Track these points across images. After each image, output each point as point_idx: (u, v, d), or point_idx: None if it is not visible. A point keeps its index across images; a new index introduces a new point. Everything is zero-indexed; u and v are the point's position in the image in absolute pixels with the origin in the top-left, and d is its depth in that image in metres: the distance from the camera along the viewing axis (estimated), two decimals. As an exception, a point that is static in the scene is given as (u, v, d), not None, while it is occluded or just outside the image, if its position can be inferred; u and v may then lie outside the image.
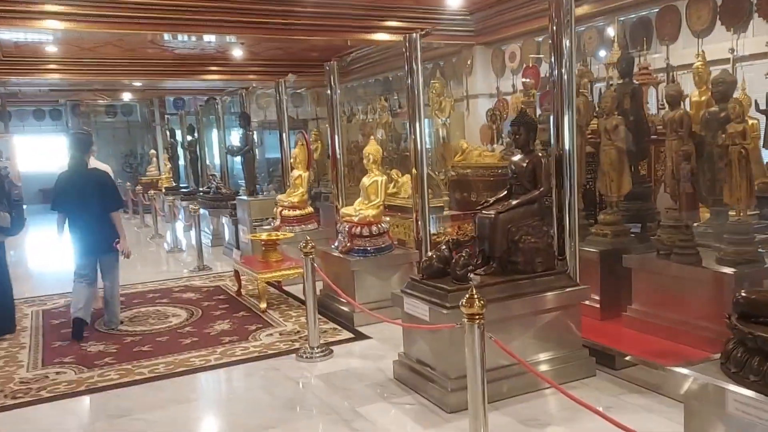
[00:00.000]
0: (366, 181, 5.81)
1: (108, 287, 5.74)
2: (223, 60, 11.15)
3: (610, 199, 5.14)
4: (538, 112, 6.62)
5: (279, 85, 9.25)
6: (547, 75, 7.63)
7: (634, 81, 5.49)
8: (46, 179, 16.32)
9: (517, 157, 4.10)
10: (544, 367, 3.82)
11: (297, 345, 4.96)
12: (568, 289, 3.97)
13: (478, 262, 3.91)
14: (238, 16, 7.67)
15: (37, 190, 17.44)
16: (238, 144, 9.90)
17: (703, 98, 5.04)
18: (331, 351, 4.76)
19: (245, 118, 9.67)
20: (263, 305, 6.04)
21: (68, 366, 4.79)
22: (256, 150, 9.98)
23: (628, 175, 5.07)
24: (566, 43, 4.17)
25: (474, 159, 7.09)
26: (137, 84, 13.75)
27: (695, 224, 4.57)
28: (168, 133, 15.42)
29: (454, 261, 3.78)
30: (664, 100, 5.70)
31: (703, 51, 5.24)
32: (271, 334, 5.32)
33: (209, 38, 9.25)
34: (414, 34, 5.64)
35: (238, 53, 10.55)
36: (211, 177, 12.24)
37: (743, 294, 2.43)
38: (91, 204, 5.51)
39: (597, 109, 5.75)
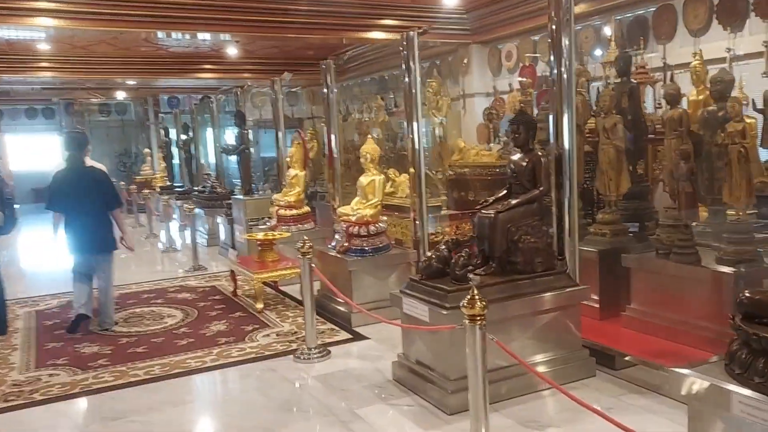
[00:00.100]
0: (363, 180, 5.77)
1: (102, 287, 5.69)
2: (217, 58, 11.07)
3: (608, 199, 5.12)
4: (535, 111, 6.60)
5: (274, 83, 9.19)
6: (544, 74, 7.66)
7: (632, 80, 5.47)
8: (38, 178, 16.23)
9: (516, 156, 4.07)
10: (543, 368, 3.79)
11: (294, 346, 4.92)
12: (568, 289, 3.94)
13: (478, 262, 3.88)
14: (232, 14, 7.60)
15: (29, 190, 17.31)
16: (234, 143, 9.84)
17: (700, 97, 5.04)
18: (329, 352, 4.72)
19: (240, 117, 9.61)
20: (260, 306, 6.00)
21: (62, 368, 4.73)
22: (252, 149, 9.91)
23: (626, 174, 5.05)
24: (566, 41, 4.14)
25: (471, 158, 7.06)
26: (131, 82, 13.64)
27: (693, 223, 4.56)
28: (162, 131, 15.34)
29: (453, 261, 3.75)
30: (663, 99, 5.70)
31: (700, 50, 5.23)
32: (267, 335, 5.28)
33: (204, 36, 9.18)
34: (411, 33, 5.61)
35: (232, 51, 10.48)
36: (206, 176, 12.18)
37: (747, 294, 2.40)
38: (89, 202, 5.50)
39: (594, 108, 5.74)
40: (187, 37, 9.19)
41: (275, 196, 8.08)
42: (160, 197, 13.02)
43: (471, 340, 2.73)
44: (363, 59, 11.00)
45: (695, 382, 2.38)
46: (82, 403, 4.13)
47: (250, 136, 9.84)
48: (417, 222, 5.74)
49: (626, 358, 4.04)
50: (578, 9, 6.03)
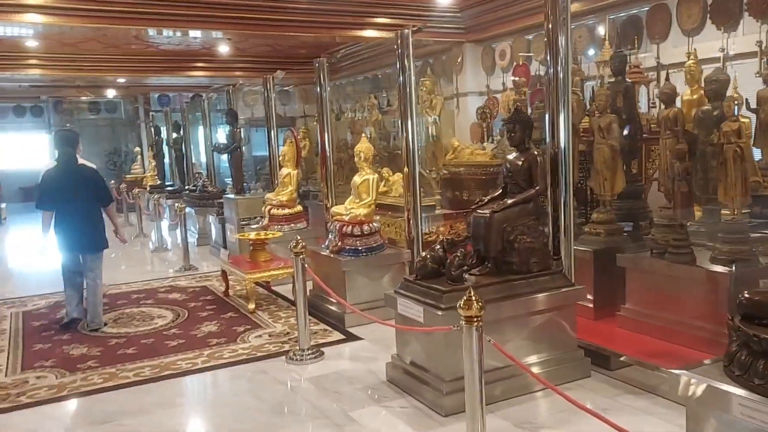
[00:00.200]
0: (357, 179, 5.72)
1: (90, 285, 5.63)
2: (209, 56, 11.01)
3: (603, 198, 5.11)
4: (529, 110, 6.58)
5: (267, 82, 9.12)
6: (537, 73, 7.65)
7: (627, 79, 5.45)
8: (26, 177, 16.09)
9: (512, 156, 4.04)
10: (538, 369, 3.75)
11: (287, 347, 4.86)
12: (563, 290, 3.91)
13: (473, 262, 3.84)
14: (224, 12, 7.56)
15: (17, 189, 17.13)
16: (225, 141, 9.76)
17: (695, 97, 5.02)
18: (322, 353, 4.67)
19: (232, 115, 9.54)
20: (252, 306, 5.93)
21: (49, 370, 4.64)
22: (243, 147, 9.84)
23: (621, 173, 5.04)
24: (562, 40, 4.11)
25: (465, 157, 7.04)
26: (121, 80, 13.55)
27: (688, 223, 4.54)
28: (153, 130, 15.21)
29: (448, 261, 3.70)
30: (657, 98, 5.69)
31: (695, 49, 5.22)
32: (259, 336, 5.21)
33: (195, 34, 9.11)
34: (406, 31, 5.55)
35: (224, 49, 10.42)
36: (197, 175, 12.08)
37: (746, 295, 2.38)
38: (80, 201, 5.47)
39: (588, 107, 5.73)
40: (178, 34, 9.13)
41: (267, 195, 8.01)
42: (150, 196, 12.91)
43: (468, 341, 2.69)
44: (356, 58, 10.96)
45: (694, 384, 2.35)
46: (70, 405, 4.06)
47: (242, 135, 9.74)
48: (411, 221, 5.69)
49: (621, 359, 4.02)
50: (573, 8, 6.02)
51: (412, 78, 5.60)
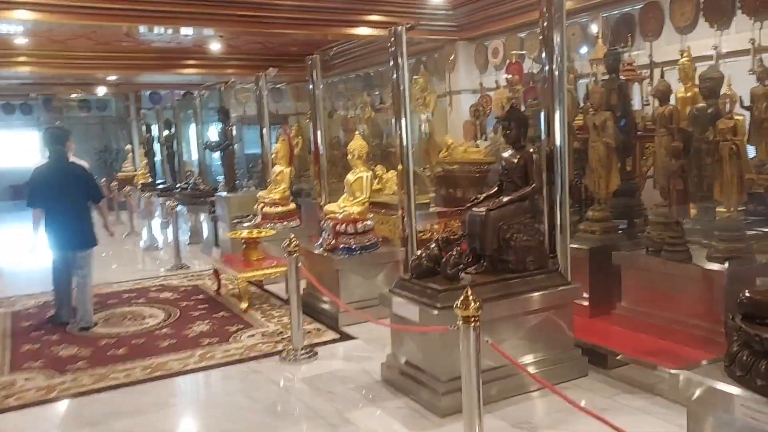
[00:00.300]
0: (351, 177, 5.67)
1: (80, 283, 5.58)
2: (200, 53, 10.93)
3: (598, 196, 5.08)
4: (522, 108, 6.55)
5: (259, 79, 9.04)
6: (531, 71, 7.63)
7: (621, 77, 5.43)
8: (16, 175, 15.89)
9: (507, 153, 4.00)
10: (535, 368, 3.72)
11: (280, 346, 4.80)
12: (560, 288, 3.88)
13: (469, 260, 3.80)
14: (216, 8, 7.48)
15: (7, 186, 16.94)
16: (217, 139, 9.68)
17: (689, 94, 5.02)
18: (316, 353, 4.62)
19: (224, 113, 9.45)
20: (244, 305, 5.86)
21: (38, 371, 4.56)
22: (235, 145, 9.76)
23: (616, 171, 5.02)
24: (557, 38, 4.08)
25: (459, 155, 7.01)
26: (112, 78, 13.43)
27: (683, 221, 4.53)
28: (144, 128, 15.08)
29: (444, 260, 3.66)
30: (651, 96, 5.68)
31: (688, 47, 5.21)
32: (252, 335, 5.15)
33: (186, 31, 9.03)
34: (399, 28, 5.50)
35: (216, 47, 10.34)
36: (188, 173, 11.98)
37: (748, 294, 2.35)
38: (70, 198, 5.45)
39: (581, 105, 5.71)
40: (170, 31, 9.04)
41: (260, 193, 7.95)
42: (141, 194, 12.79)
43: (465, 342, 2.65)
44: (349, 55, 10.91)
45: (695, 384, 2.32)
46: (59, 407, 3.99)
47: (234, 133, 9.67)
48: (405, 219, 5.65)
49: (618, 357, 3.99)
50: (566, 6, 6.01)
51: (406, 75, 5.55)
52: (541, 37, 4.22)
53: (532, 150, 3.91)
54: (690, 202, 4.68)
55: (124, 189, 12.99)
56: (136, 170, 15.55)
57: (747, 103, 4.70)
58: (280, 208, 7.53)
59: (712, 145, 4.35)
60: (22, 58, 10.39)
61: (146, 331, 5.42)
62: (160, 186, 13.19)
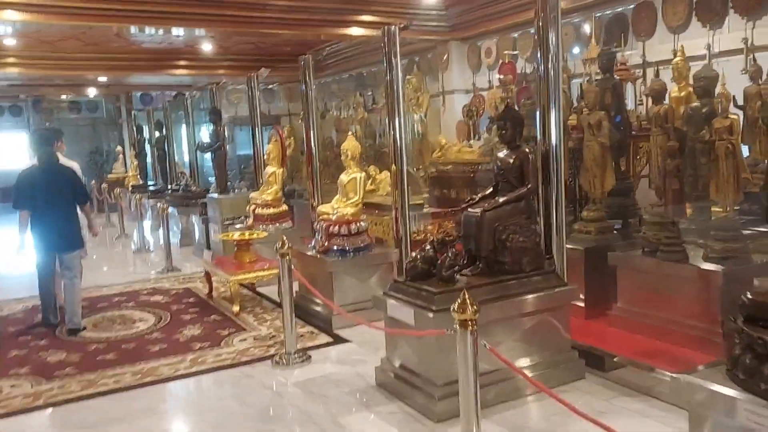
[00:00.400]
0: (344, 178, 5.60)
1: (68, 285, 5.52)
2: (192, 54, 10.84)
3: (593, 196, 5.05)
4: (516, 107, 6.51)
5: (251, 80, 8.97)
6: (524, 71, 7.60)
7: (615, 76, 5.41)
8: (5, 177, 15.69)
9: (503, 153, 3.95)
10: (532, 371, 3.65)
11: (272, 350, 4.73)
12: (557, 290, 3.82)
13: (464, 262, 3.74)
14: (207, 9, 7.41)
15: (-4, 188, 16.74)
16: (209, 140, 9.60)
17: (682, 94, 4.99)
18: (309, 356, 4.54)
19: (216, 114, 9.37)
20: (236, 308, 5.78)
21: (25, 377, 4.46)
22: (227, 146, 9.68)
23: (611, 171, 4.99)
24: (552, 37, 4.03)
25: (453, 155, 6.97)
26: (102, 79, 13.31)
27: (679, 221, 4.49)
28: (135, 129, 14.96)
29: (439, 261, 3.60)
30: (644, 95, 5.66)
31: (682, 46, 5.19)
32: (244, 339, 5.07)
33: (177, 32, 8.94)
34: (393, 27, 5.44)
35: (207, 47, 10.26)
36: (180, 174, 11.88)
37: (749, 296, 2.30)
38: (57, 200, 5.41)
39: (575, 104, 5.68)
40: (161, 32, 8.95)
41: (252, 194, 7.88)
42: (132, 196, 12.67)
43: (462, 346, 2.59)
44: (340, 56, 10.86)
45: (697, 389, 2.27)
46: (46, 415, 3.89)
47: (226, 134, 9.59)
48: (399, 220, 5.59)
49: (615, 359, 3.95)
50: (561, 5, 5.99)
51: (400, 75, 5.50)
52: (536, 36, 4.18)
53: (527, 150, 3.86)
54: (685, 202, 4.65)
55: (115, 191, 12.87)
56: (126, 172, 15.43)
57: (740, 102, 4.67)
58: (272, 210, 7.46)
59: (708, 144, 4.32)
60: (10, 60, 10.27)
61: (136, 336, 5.33)
62: (151, 188, 13.09)
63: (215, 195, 8.92)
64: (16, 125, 18.02)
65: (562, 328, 3.87)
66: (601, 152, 4.91)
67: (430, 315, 3.40)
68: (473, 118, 7.91)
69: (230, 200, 8.66)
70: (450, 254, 3.59)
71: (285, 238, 4.58)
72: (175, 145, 13.44)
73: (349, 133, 6.24)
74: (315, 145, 6.82)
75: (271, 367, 4.43)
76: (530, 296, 3.72)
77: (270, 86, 13.15)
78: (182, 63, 11.28)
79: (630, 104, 5.82)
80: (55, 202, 5.38)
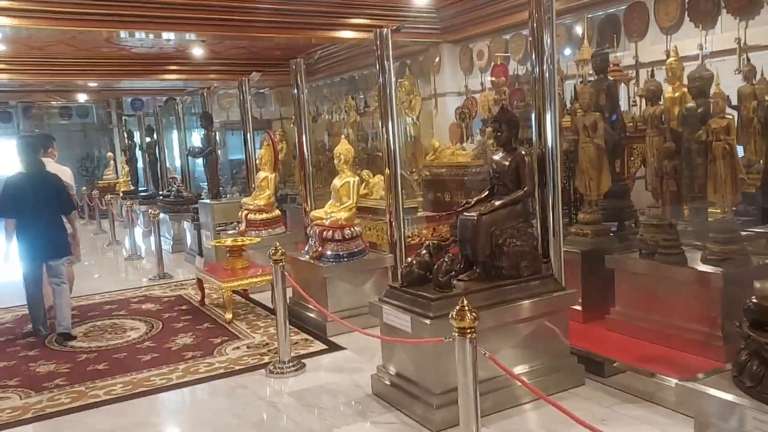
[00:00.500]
0: (337, 182, 5.53)
1: (57, 290, 5.45)
2: (183, 59, 10.74)
3: (589, 198, 5.01)
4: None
5: (242, 84, 8.89)
6: (516, 73, 7.56)
7: (609, 77, 5.37)
8: (-6, 185, 15.57)
9: (498, 156, 3.89)
10: (531, 378, 3.59)
11: (266, 359, 4.64)
12: (555, 294, 3.76)
13: (461, 267, 3.68)
14: (197, 13, 7.34)
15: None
16: (200, 145, 9.51)
17: (676, 94, 4.95)
18: (303, 365, 4.45)
19: (207, 119, 9.29)
20: (229, 316, 5.70)
21: (13, 390, 4.35)
22: (219, 151, 9.60)
23: (607, 172, 4.95)
24: (547, 39, 3.98)
25: (447, 158, 6.92)
26: (93, 85, 13.18)
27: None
28: (126, 135, 14.83)
29: (436, 267, 3.53)
30: (638, 96, 5.63)
31: (675, 46, 5.16)
32: (237, 348, 4.99)
33: (168, 36, 8.85)
34: (385, 30, 5.39)
35: (198, 52, 10.17)
36: (171, 180, 11.77)
37: (755, 301, 2.25)
38: (43, 207, 5.35)
39: (568, 106, 5.64)
40: (151, 36, 8.86)
41: (244, 199, 7.79)
42: (123, 202, 12.55)
43: (461, 355, 2.52)
44: (332, 59, 10.79)
45: (704, 396, 2.21)
46: (35, 429, 3.78)
47: (217, 138, 9.50)
48: (393, 225, 5.52)
49: (614, 365, 3.89)
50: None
51: (392, 78, 5.45)
52: (530, 38, 4.12)
53: (524, 152, 3.80)
54: (683, 204, 4.62)
55: (106, 197, 12.74)
56: (117, 178, 15.32)
57: (734, 102, 4.65)
58: (264, 215, 7.38)
59: (704, 145, 4.28)
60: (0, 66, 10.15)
61: (127, 345, 5.23)
62: (142, 194, 12.97)
63: (207, 200, 8.83)
64: (6, 131, 17.84)
65: (561, 334, 3.81)
66: (597, 154, 4.87)
67: (427, 322, 3.34)
68: (466, 121, 7.87)
69: (222, 206, 8.57)
70: (446, 259, 3.52)
71: (278, 244, 4.50)
72: (166, 150, 13.35)
73: (342, 136, 6.17)
74: (307, 149, 6.75)
75: (265, 376, 4.35)
76: (528, 301, 3.65)
77: (261, 90, 13.07)
78: (173, 68, 11.18)
79: (623, 105, 5.79)
80: (41, 209, 5.32)
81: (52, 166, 6.15)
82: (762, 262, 4.01)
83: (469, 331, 2.50)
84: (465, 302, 2.54)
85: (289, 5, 7.59)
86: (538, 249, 3.88)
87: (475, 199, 3.89)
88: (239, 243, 6.33)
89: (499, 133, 3.84)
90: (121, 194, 13.45)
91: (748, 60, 4.87)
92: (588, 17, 6.62)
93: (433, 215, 6.59)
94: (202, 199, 9.18)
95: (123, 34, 8.44)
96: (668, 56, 4.97)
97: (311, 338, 5.12)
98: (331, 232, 5.34)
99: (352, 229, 5.40)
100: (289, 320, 4.52)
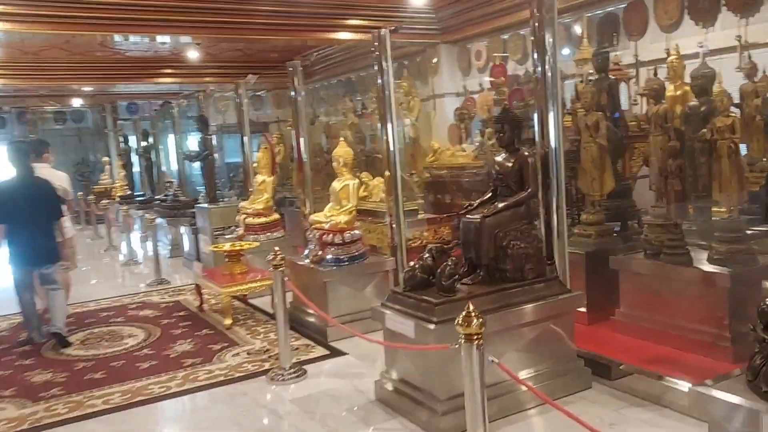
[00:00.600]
0: (337, 185, 5.46)
1: (51, 294, 5.43)
2: (178, 62, 10.67)
3: (592, 198, 4.95)
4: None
5: (238, 87, 8.83)
6: (515, 73, 7.52)
7: (610, 76, 5.33)
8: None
9: (501, 157, 3.83)
10: (537, 382, 3.53)
11: (267, 365, 4.56)
12: (560, 297, 3.70)
13: (464, 270, 3.62)
14: (192, 16, 7.26)
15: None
16: (197, 149, 9.43)
17: (678, 92, 4.91)
18: (305, 371, 4.38)
19: (203, 122, 9.22)
20: (228, 321, 5.62)
21: (8, 400, 4.27)
22: (216, 155, 9.53)
23: (610, 172, 4.89)
24: (549, 38, 3.93)
25: (447, 159, 6.86)
26: (87, 89, 13.09)
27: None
28: (121, 139, 14.77)
29: (439, 271, 3.47)
30: (639, 95, 5.59)
31: (677, 45, 5.12)
32: (237, 354, 4.91)
33: (163, 39, 8.78)
34: (384, 31, 5.33)
35: (194, 55, 10.10)
36: (168, 184, 11.70)
37: (769, 303, 2.20)
38: (34, 213, 5.31)
39: (568, 106, 5.59)
40: (146, 40, 8.79)
41: (242, 203, 7.72)
42: (119, 207, 12.46)
43: (468, 361, 2.46)
44: (329, 61, 10.73)
45: (719, 402, 2.16)
46: (31, 440, 3.72)
47: (214, 142, 9.44)
48: (394, 227, 5.46)
49: (621, 367, 3.83)
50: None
51: (392, 80, 5.39)
52: (532, 37, 4.07)
53: (527, 153, 3.74)
54: (687, 203, 4.57)
55: (102, 202, 12.66)
56: (113, 182, 15.22)
57: (736, 100, 4.60)
58: (263, 219, 7.30)
59: (708, 143, 4.23)
60: (-8, 71, 10.07)
61: (125, 353, 5.16)
62: (139, 198, 12.89)
63: (204, 205, 8.76)
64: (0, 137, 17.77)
65: (567, 336, 3.75)
66: (600, 154, 4.82)
67: (431, 327, 3.27)
68: (465, 122, 7.81)
69: (220, 210, 8.50)
70: (450, 262, 3.46)
71: (277, 248, 4.43)
72: (162, 154, 13.28)
73: (341, 139, 6.10)
74: (305, 152, 6.68)
75: (265, 383, 4.28)
76: (533, 304, 3.60)
77: (258, 93, 13.00)
78: (168, 71, 11.10)
79: (624, 104, 5.74)
80: (32, 215, 5.28)
81: (48, 171, 6.09)
82: (768, 261, 3.97)
83: (476, 337, 2.44)
84: (471, 308, 2.48)
85: (285, 7, 7.53)
86: (543, 251, 3.82)
87: (477, 201, 3.83)
88: (238, 248, 6.26)
89: (501, 134, 3.79)
90: (117, 199, 13.36)
91: (750, 57, 4.83)
92: (587, 16, 6.58)
93: (434, 217, 6.53)
94: (200, 203, 9.11)
95: (117, 37, 8.38)
96: (669, 54, 4.93)
97: (312, 343, 5.05)
98: (331, 235, 5.27)
99: (352, 232, 5.33)
100: (290, 325, 4.46)
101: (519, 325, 3.58)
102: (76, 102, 16.05)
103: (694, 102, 4.49)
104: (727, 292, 3.76)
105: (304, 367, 4.46)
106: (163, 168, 13.25)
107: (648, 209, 4.82)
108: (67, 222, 6.09)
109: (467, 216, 3.69)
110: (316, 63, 10.71)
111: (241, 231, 7.28)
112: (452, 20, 8.47)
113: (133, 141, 14.22)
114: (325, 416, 3.70)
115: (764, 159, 4.51)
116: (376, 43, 5.39)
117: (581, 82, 5.71)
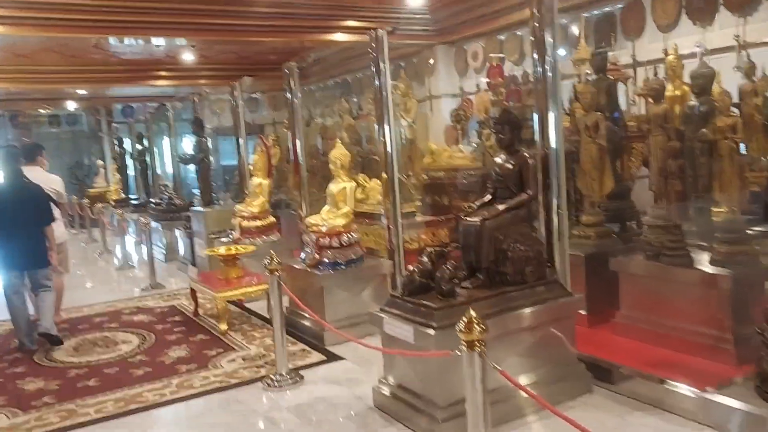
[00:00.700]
0: (333, 187, 5.40)
1: (41, 295, 5.40)
2: (173, 64, 10.59)
3: (592, 199, 4.90)
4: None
5: (234, 89, 8.76)
6: (512, 73, 7.48)
7: (609, 76, 5.29)
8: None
9: (501, 159, 3.78)
10: (538, 387, 3.47)
11: (263, 371, 4.49)
12: (561, 300, 3.65)
13: (464, 273, 3.56)
14: (188, 18, 7.19)
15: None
16: (192, 152, 9.36)
17: (677, 92, 4.87)
18: (302, 377, 4.32)
19: (198, 125, 9.15)
20: (223, 326, 5.55)
21: (0, 409, 4.19)
22: (211, 157, 9.45)
23: (610, 173, 4.85)
24: (549, 38, 3.89)
25: (444, 161, 6.80)
26: (81, 92, 13.00)
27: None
28: (116, 142, 14.68)
29: (438, 274, 3.41)
30: (637, 95, 5.54)
31: (675, 44, 5.09)
32: (233, 360, 4.84)
33: (158, 41, 8.72)
34: (381, 32, 5.29)
35: (189, 57, 10.02)
36: (163, 187, 11.62)
37: (777, 306, 2.14)
38: (25, 217, 5.30)
39: (567, 106, 5.54)
40: (140, 42, 8.72)
41: (238, 206, 7.65)
42: (114, 211, 12.38)
43: (469, 369, 2.40)
44: (325, 63, 10.67)
45: (728, 410, 2.10)
46: (22, 450, 3.65)
47: (209, 144, 9.36)
48: (391, 230, 5.40)
49: (622, 371, 3.77)
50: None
51: (389, 81, 5.34)
52: (531, 38, 4.03)
53: (527, 155, 3.69)
54: (688, 204, 4.52)
55: (96, 206, 12.57)
56: (108, 186, 15.14)
57: (735, 99, 4.57)
58: (259, 222, 7.23)
59: (708, 143, 4.19)
60: (-17, 74, 9.98)
61: (119, 359, 5.08)
62: (134, 202, 12.82)
63: (199, 208, 8.68)
64: (-7, 141, 17.65)
65: (568, 340, 3.70)
66: (599, 154, 4.77)
67: (431, 332, 3.21)
68: (462, 123, 7.76)
69: (215, 213, 8.42)
70: (449, 266, 3.40)
71: (273, 252, 4.37)
72: (157, 157, 13.20)
73: (337, 141, 6.04)
74: (302, 154, 6.63)
75: (262, 389, 4.21)
76: (534, 308, 3.54)
77: (253, 95, 12.93)
78: (163, 73, 11.01)
79: (622, 105, 5.70)
80: (22, 219, 5.26)
81: (41, 175, 6.02)
82: (769, 261, 3.92)
83: (477, 344, 2.38)
84: (473, 313, 2.42)
85: (281, 8, 7.47)
86: (543, 254, 3.76)
87: (477, 203, 3.77)
88: (233, 251, 6.19)
89: (501, 136, 3.73)
90: (112, 202, 13.27)
91: (748, 57, 4.79)
92: (584, 16, 6.54)
93: (432, 219, 6.47)
94: (195, 206, 9.03)
95: (112, 40, 8.31)
96: (667, 54, 4.89)
97: (309, 348, 4.98)
98: (328, 238, 5.21)
99: (349, 235, 5.27)
100: (286, 330, 4.39)
101: (520, 329, 3.52)
102: (71, 105, 15.94)
103: (693, 102, 4.45)
104: (729, 294, 3.71)
105: (301, 372, 4.39)
106: (158, 171, 13.17)
107: (647, 210, 4.78)
108: (60, 226, 6.01)
109: (467, 219, 3.63)
110: (312, 65, 10.65)
111: (236, 234, 7.21)
112: (449, 21, 8.42)
113: (127, 144, 14.13)
114: (322, 423, 3.63)
115: (764, 159, 4.47)
116: (372, 45, 5.34)
117: (579, 82, 5.67)
